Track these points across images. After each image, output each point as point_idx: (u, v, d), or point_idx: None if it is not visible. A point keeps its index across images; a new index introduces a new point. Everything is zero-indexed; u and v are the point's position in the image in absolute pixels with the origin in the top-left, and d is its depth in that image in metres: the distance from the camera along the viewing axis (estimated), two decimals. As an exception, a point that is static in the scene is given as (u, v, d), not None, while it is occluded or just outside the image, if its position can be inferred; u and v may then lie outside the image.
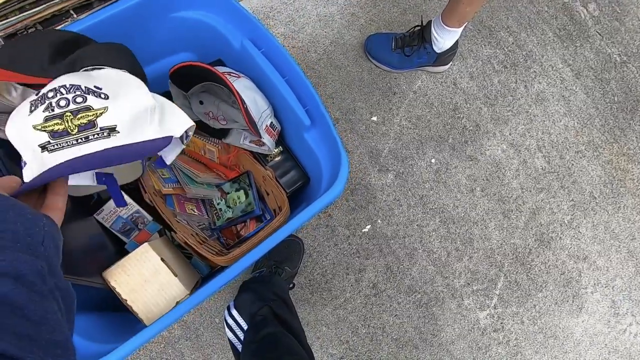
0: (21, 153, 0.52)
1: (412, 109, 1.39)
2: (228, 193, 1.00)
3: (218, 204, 1.00)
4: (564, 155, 1.40)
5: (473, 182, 1.34)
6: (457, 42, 1.33)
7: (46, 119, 0.51)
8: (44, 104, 0.52)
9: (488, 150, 1.38)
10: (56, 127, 0.51)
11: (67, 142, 0.50)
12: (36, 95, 0.54)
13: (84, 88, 0.54)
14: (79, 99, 0.52)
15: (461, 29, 1.27)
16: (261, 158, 0.96)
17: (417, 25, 1.37)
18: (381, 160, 1.33)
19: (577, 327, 1.26)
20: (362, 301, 1.23)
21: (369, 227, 1.28)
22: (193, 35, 0.94)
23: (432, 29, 1.30)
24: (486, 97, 1.43)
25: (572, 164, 1.39)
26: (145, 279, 0.75)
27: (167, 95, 0.83)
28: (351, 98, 1.37)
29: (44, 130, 0.51)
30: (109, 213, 0.87)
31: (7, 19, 0.85)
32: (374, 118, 1.37)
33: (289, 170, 0.95)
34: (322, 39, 1.41)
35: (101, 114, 0.53)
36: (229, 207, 0.99)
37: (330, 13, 1.45)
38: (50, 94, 0.53)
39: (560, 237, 1.32)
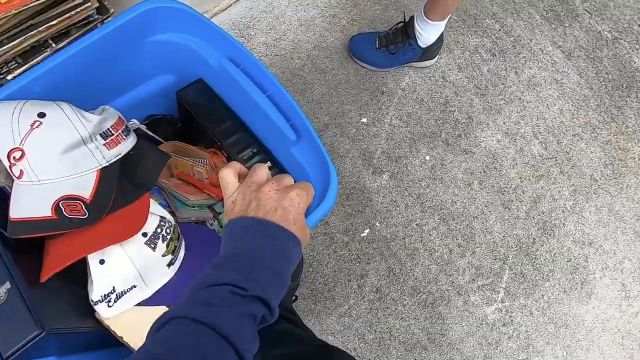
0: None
1: (402, 106, 1.37)
2: (220, 213, 0.99)
3: (211, 225, 0.99)
4: (561, 139, 1.37)
5: (470, 175, 1.32)
6: (442, 35, 1.30)
7: (167, 245, 0.70)
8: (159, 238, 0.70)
9: (483, 142, 1.35)
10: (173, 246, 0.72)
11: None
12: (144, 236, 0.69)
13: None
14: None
15: (445, 21, 1.24)
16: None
17: (400, 22, 1.35)
18: (374, 162, 1.31)
19: (587, 314, 1.23)
20: (367, 307, 1.22)
21: (367, 231, 1.26)
22: (171, 58, 0.93)
23: (416, 24, 1.27)
24: (477, 88, 1.40)
25: (570, 148, 1.36)
26: (137, 315, 0.72)
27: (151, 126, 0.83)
28: (339, 101, 1.35)
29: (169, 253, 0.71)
30: None
31: (-17, 55, 0.85)
32: (364, 120, 1.35)
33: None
34: (304, 44, 1.40)
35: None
36: (222, 227, 0.98)
37: (311, 17, 1.43)
38: (159, 229, 0.70)
39: (564, 224, 1.30)
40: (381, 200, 1.29)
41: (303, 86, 1.36)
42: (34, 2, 0.82)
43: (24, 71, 0.92)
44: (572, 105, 1.40)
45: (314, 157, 0.85)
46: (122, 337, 0.70)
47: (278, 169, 0.94)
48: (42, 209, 0.61)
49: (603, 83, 1.42)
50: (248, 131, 0.94)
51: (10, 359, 0.53)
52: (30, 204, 0.61)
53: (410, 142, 1.34)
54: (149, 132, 0.90)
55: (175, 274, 0.72)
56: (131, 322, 0.71)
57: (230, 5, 1.41)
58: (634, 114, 1.40)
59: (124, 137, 0.73)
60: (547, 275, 1.26)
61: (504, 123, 1.37)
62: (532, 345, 1.21)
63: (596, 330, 1.23)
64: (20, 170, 0.61)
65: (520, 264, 1.26)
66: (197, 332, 0.35)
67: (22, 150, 0.61)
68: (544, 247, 1.28)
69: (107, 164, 0.68)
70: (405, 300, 1.22)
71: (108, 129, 0.70)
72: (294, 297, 1.19)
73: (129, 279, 0.67)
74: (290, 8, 1.43)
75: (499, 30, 1.46)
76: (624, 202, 1.33)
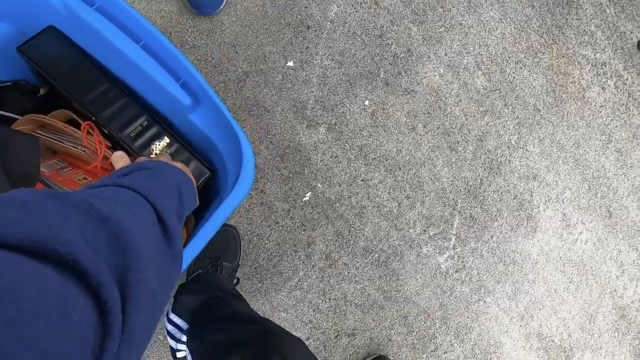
0: None
1: (333, 43, 1.16)
2: None
3: None
4: (504, 68, 1.26)
5: (414, 118, 1.19)
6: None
7: None
8: None
9: (425, 78, 1.21)
10: None
11: None
12: None
13: None
14: None
15: None
16: (137, 153, 0.71)
17: None
18: (308, 114, 1.13)
19: (533, 248, 1.24)
20: (318, 276, 1.11)
21: (309, 194, 1.11)
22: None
23: None
24: (414, 14, 1.22)
25: (514, 77, 1.27)
26: None
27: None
28: (257, 43, 1.11)
29: None
30: None
31: None
32: (290, 63, 1.13)
33: (185, 164, 0.73)
34: (204, -32, 1.08)
35: None
36: None
37: None
38: None
39: (509, 160, 1.25)
40: (320, 157, 1.12)
41: (209, 25, 1.08)
42: None
43: None
44: (514, 28, 1.28)
45: (217, 123, 0.66)
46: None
47: (179, 143, 0.72)
48: None
49: (544, 0, 1.31)
50: (134, 97, 0.70)
51: None
52: None
53: (346, 86, 1.15)
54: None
55: None
56: None
57: None
58: (574, 34, 1.33)
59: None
60: (495, 215, 1.23)
61: (445, 54, 1.23)
62: (484, 286, 1.21)
63: (540, 262, 1.25)
64: None
65: (469, 208, 1.21)
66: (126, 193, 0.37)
67: None
68: (491, 187, 1.23)
69: None
70: (357, 262, 1.14)
71: None
72: (235, 280, 1.04)
73: None
74: None
75: (435, -60, 1.25)
76: (565, 131, 1.30)
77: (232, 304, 0.82)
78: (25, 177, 0.58)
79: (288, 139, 1.11)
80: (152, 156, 0.68)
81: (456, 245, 1.19)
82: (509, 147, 1.25)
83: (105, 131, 0.68)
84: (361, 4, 1.18)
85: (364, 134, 1.16)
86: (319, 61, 1.14)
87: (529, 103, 1.27)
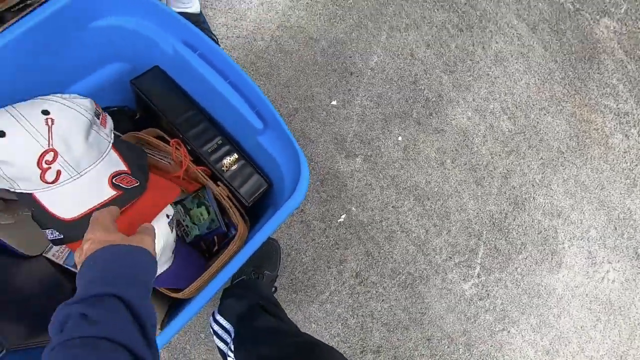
0: None
1: (372, 87, 1.33)
2: (191, 209, 0.94)
3: (184, 221, 0.94)
4: (528, 114, 1.38)
5: (442, 154, 1.32)
6: None
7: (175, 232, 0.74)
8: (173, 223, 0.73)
9: (453, 119, 1.34)
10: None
11: None
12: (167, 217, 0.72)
13: None
14: None
15: None
16: (214, 170, 0.88)
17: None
18: (347, 146, 1.28)
19: (558, 283, 1.28)
20: (348, 292, 1.21)
21: (344, 216, 1.24)
22: (121, 44, 0.85)
23: None
24: (445, 65, 1.38)
25: (538, 122, 1.38)
26: None
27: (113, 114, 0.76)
28: (307, 84, 1.30)
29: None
30: (59, 249, 0.80)
31: None
32: (334, 102, 1.31)
33: (248, 178, 0.88)
34: (267, 24, 1.32)
35: None
36: (194, 223, 0.93)
37: (273, -5, 1.35)
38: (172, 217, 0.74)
39: (534, 197, 1.33)
40: (356, 184, 1.26)
41: (268, 69, 1.29)
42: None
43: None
44: (538, 79, 1.41)
45: (281, 145, 0.81)
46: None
47: (245, 160, 0.89)
48: (101, 193, 0.63)
49: (567, 55, 1.44)
50: (212, 121, 0.88)
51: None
52: (83, 197, 0.62)
53: (382, 124, 1.31)
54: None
55: (170, 265, 0.74)
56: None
57: (184, -16, 1.31)
58: (596, 86, 1.44)
59: (105, 113, 0.74)
60: (520, 248, 1.29)
61: (473, 99, 1.37)
62: (508, 316, 1.25)
63: (566, 297, 1.28)
64: (57, 172, 0.60)
65: (494, 239, 1.29)
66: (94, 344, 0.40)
67: (53, 150, 0.60)
68: (515, 221, 1.31)
69: (112, 139, 0.71)
70: (385, 282, 1.23)
71: (95, 109, 0.71)
72: (273, 289, 1.16)
73: None
74: (249, -15, 1.34)
75: (465, 4, 1.43)
76: (589, 173, 1.37)
77: (274, 313, 0.89)
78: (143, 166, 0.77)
79: (328, 166, 1.27)
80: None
81: (480, 274, 1.26)
82: (533, 185, 1.33)
83: (189, 147, 0.87)
84: (398, 55, 1.37)
85: (396, 166, 1.29)
86: (359, 101, 1.32)
87: (553, 146, 1.36)
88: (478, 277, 1.26)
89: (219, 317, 0.92)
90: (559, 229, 1.32)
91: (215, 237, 0.94)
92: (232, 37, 1.30)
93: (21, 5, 0.89)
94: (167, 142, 0.86)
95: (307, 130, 1.27)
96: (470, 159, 1.33)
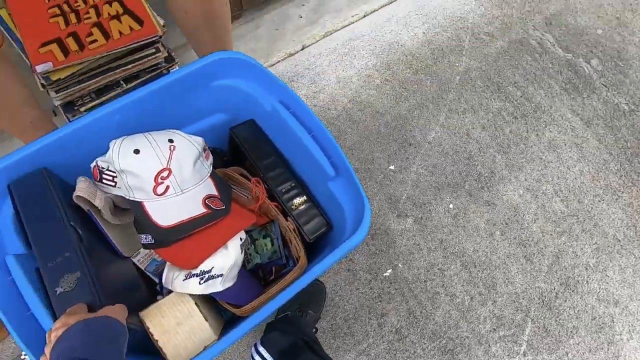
0: None
1: (428, 158, 1.46)
2: (257, 239, 1.05)
3: (249, 249, 1.05)
4: (582, 199, 1.41)
5: (492, 226, 1.37)
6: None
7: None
8: (244, 246, 0.88)
9: (505, 195, 1.41)
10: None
11: None
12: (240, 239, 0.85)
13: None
14: None
15: None
16: (285, 207, 1.02)
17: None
18: (400, 206, 1.39)
19: (615, 378, 1.19)
20: (386, 347, 1.22)
21: (390, 271, 1.30)
22: (228, 99, 1.05)
23: None
24: (499, 146, 1.49)
25: (592, 208, 1.40)
26: (178, 321, 0.76)
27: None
28: (369, 149, 1.47)
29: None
30: (145, 255, 0.94)
31: (68, 89, 1.00)
32: (392, 167, 1.44)
33: (312, 217, 0.99)
34: (341, 97, 1.55)
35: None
36: (257, 253, 1.04)
37: (348, 76, 1.60)
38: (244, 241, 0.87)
39: (587, 281, 1.30)
40: (405, 242, 1.34)
41: (337, 134, 1.49)
42: (118, 49, 0.97)
43: (97, 105, 1.07)
44: (592, 168, 1.46)
45: (349, 192, 0.93)
46: (157, 341, 0.75)
47: (312, 202, 1.03)
48: (195, 209, 0.79)
49: (622, 150, 1.49)
50: (289, 168, 1.04)
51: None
52: (180, 210, 0.78)
53: (434, 191, 1.41)
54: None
55: (234, 283, 0.84)
56: (172, 328, 0.76)
57: (278, 62, 1.61)
58: (655, 181, 1.45)
59: (209, 150, 0.93)
60: (571, 332, 1.24)
61: (525, 179, 1.44)
62: (556, 404, 1.16)
63: (625, 395, 1.17)
64: (167, 187, 0.78)
65: (543, 318, 1.25)
66: None
67: (169, 169, 0.78)
68: (567, 302, 1.27)
69: (211, 170, 0.89)
70: (424, 344, 1.22)
71: (204, 145, 0.90)
72: (314, 329, 1.20)
73: (223, 267, 0.79)
74: (330, 67, 1.61)
75: (521, 96, 1.58)
76: (649, 265, 1.33)
77: (317, 353, 0.92)
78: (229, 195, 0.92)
79: (380, 222, 1.36)
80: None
81: (527, 352, 1.21)
82: (586, 269, 1.31)
83: (266, 186, 1.03)
84: (455, 133, 1.51)
85: (445, 231, 1.36)
86: (414, 169, 1.45)
87: (608, 233, 1.36)
88: (524, 355, 1.21)
89: (261, 349, 0.95)
90: (616, 319, 1.25)
91: (273, 268, 1.04)
92: (310, 105, 1.53)
93: (153, 68, 1.17)
94: (249, 180, 1.03)
95: (364, 189, 1.41)
96: (520, 234, 1.36)
